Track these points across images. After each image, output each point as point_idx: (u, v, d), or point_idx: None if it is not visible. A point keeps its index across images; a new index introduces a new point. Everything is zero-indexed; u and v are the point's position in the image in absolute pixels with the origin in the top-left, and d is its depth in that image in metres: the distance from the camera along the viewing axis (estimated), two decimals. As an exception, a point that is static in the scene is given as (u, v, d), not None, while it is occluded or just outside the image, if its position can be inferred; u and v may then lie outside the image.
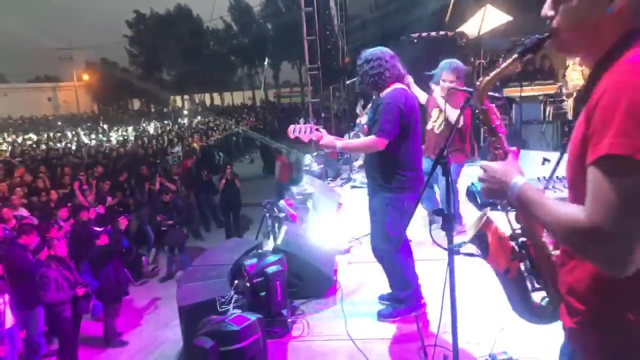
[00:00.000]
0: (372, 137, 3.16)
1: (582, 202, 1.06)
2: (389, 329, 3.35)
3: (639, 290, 1.08)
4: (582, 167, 1.06)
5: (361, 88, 3.34)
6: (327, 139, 3.25)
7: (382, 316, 3.46)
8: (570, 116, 7.25)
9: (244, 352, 2.85)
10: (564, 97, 7.66)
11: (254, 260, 3.63)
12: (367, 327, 3.41)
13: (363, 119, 3.47)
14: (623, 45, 1.04)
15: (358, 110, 6.88)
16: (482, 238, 1.62)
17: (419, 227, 4.58)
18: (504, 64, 1.42)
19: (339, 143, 3.30)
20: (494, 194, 1.33)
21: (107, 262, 6.59)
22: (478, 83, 1.49)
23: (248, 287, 3.55)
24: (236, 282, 3.77)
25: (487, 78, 1.47)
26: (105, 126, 30.74)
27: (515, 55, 1.36)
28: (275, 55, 47.80)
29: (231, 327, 2.89)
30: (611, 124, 0.96)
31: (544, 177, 2.43)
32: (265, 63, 42.36)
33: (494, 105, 1.56)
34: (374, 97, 3.42)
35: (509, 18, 12.84)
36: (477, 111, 1.56)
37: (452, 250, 2.39)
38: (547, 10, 1.16)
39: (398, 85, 3.27)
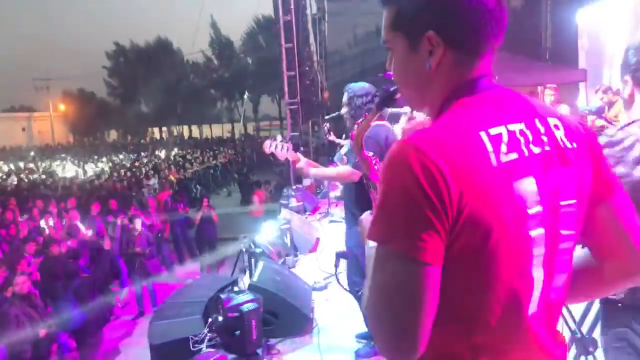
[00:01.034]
0: (347, 167, 3.16)
1: None
2: (367, 369, 3.28)
3: None
4: None
5: (348, 118, 3.31)
6: (302, 163, 3.22)
7: (359, 355, 3.39)
8: None
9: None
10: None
11: (231, 296, 3.54)
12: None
13: (343, 150, 3.47)
14: (445, 105, 0.96)
15: (326, 134, 6.87)
16: None
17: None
18: (369, 117, 1.43)
19: (313, 170, 3.29)
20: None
21: (94, 292, 6.42)
22: (355, 137, 1.50)
23: (222, 325, 3.45)
24: (210, 320, 3.67)
25: (358, 131, 1.47)
26: (79, 158, 30.28)
27: (374, 108, 1.39)
28: (255, 89, 48.25)
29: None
30: None
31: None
32: (245, 96, 42.69)
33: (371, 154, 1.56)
34: (351, 127, 3.44)
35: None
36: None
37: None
38: (388, 64, 1.08)
39: (379, 122, 3.30)
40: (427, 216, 0.82)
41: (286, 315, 3.84)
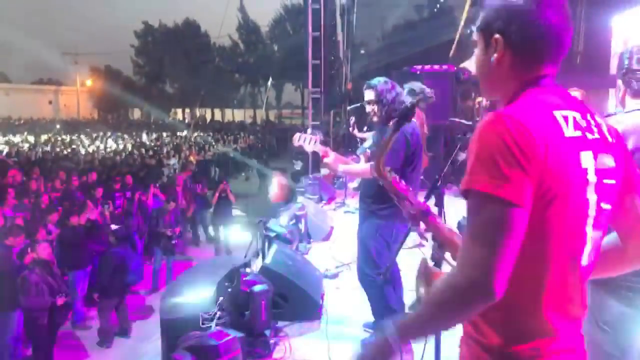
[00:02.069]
0: (372, 164, 3.15)
1: None
2: (372, 358, 3.30)
3: None
4: None
5: (379, 115, 3.31)
6: (331, 158, 3.26)
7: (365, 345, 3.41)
8: None
9: (223, 368, 2.80)
10: None
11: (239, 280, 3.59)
12: (350, 354, 3.35)
13: (367, 143, 3.47)
14: (516, 94, 1.17)
15: (351, 128, 6.88)
16: None
17: (412, 256, 4.55)
18: (388, 137, 1.60)
19: (341, 167, 3.31)
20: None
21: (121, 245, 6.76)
22: (375, 163, 1.64)
23: (233, 304, 3.51)
24: (220, 299, 3.73)
25: (380, 156, 1.63)
26: (107, 132, 30.70)
27: (393, 126, 1.58)
28: (279, 76, 48.27)
29: (210, 342, 2.84)
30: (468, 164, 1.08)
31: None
32: (269, 83, 42.75)
33: (395, 176, 1.64)
34: (374, 122, 3.44)
35: (512, 57, 13.11)
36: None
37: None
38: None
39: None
40: (522, 166, 1.00)
41: (296, 299, 3.88)
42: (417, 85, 5.23)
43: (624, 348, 1.83)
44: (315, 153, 3.40)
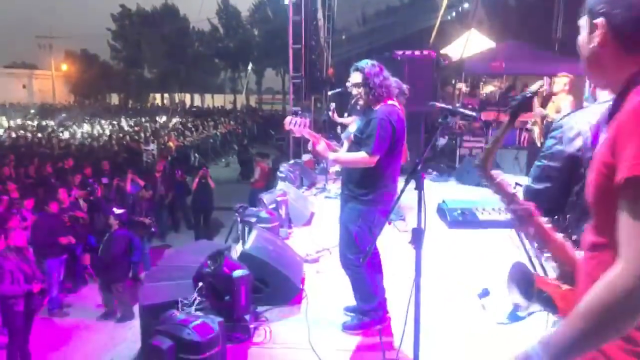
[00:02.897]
0: (364, 154, 3.15)
1: (605, 231, 1.08)
2: (352, 341, 3.33)
3: None
4: (605, 196, 1.09)
5: (364, 98, 3.29)
6: (322, 146, 3.26)
7: (346, 328, 3.44)
8: (538, 143, 7.33)
9: (202, 363, 2.78)
10: (529, 125, 7.64)
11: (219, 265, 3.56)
12: (330, 337, 3.37)
13: (351, 127, 3.45)
14: (629, 86, 1.12)
15: (331, 113, 6.89)
16: (543, 297, 1.58)
17: (393, 241, 4.59)
18: (500, 131, 1.52)
19: (332, 156, 3.31)
20: None
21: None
22: (479, 161, 1.55)
23: (212, 288, 3.48)
24: (200, 284, 3.70)
25: (487, 149, 1.55)
26: (85, 117, 30.04)
27: (508, 119, 1.50)
28: (259, 61, 47.80)
29: (194, 337, 2.80)
30: (629, 150, 1.00)
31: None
32: (249, 68, 42.31)
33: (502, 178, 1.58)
34: (359, 108, 3.42)
35: (492, 44, 13.18)
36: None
37: (419, 267, 2.39)
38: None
39: (390, 101, 3.29)
40: None
41: (276, 284, 3.88)
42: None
43: None
44: (296, 138, 3.40)
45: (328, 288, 4.16)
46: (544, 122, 6.81)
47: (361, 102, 3.32)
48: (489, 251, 4.94)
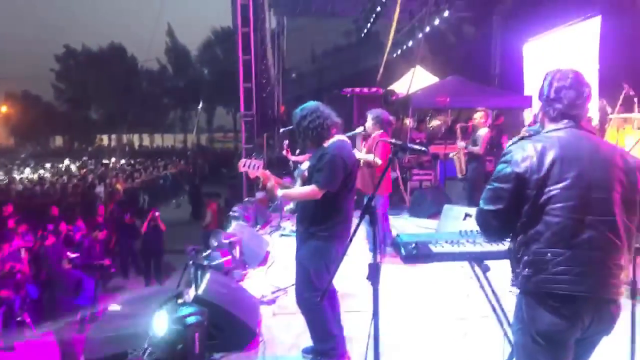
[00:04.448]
0: (313, 187, 3.16)
1: None
2: (312, 384, 3.23)
3: None
4: None
5: (304, 145, 3.44)
6: (271, 182, 3.31)
7: (304, 371, 3.34)
8: (459, 173, 7.92)
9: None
10: (451, 155, 8.20)
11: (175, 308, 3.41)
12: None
13: (304, 165, 3.48)
14: None
15: (284, 152, 6.97)
16: None
17: (349, 278, 4.54)
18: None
19: (280, 192, 3.32)
20: None
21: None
22: None
23: (164, 338, 3.31)
24: (151, 334, 3.52)
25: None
26: (29, 162, 28.77)
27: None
28: (210, 100, 47.66)
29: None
30: None
31: (465, 231, 2.52)
32: (199, 107, 42.11)
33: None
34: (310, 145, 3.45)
35: (436, 79, 13.73)
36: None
37: (377, 302, 2.37)
38: None
39: (340, 136, 3.35)
40: None
41: (231, 329, 3.74)
42: (380, 111, 5.76)
43: (559, 359, 1.89)
44: (249, 178, 3.44)
45: (285, 330, 4.05)
46: (464, 152, 7.61)
47: (306, 144, 3.43)
48: (445, 283, 5.00)
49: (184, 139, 53.23)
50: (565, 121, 1.96)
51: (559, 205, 1.82)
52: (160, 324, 3.46)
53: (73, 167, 26.22)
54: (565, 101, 1.96)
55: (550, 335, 1.85)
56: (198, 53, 50.97)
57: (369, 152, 5.58)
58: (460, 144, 7.73)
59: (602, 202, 1.83)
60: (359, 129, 5.77)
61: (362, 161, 5.56)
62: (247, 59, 11.59)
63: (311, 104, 3.37)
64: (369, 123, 5.68)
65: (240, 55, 11.59)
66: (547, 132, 1.99)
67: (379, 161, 5.42)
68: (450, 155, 8.19)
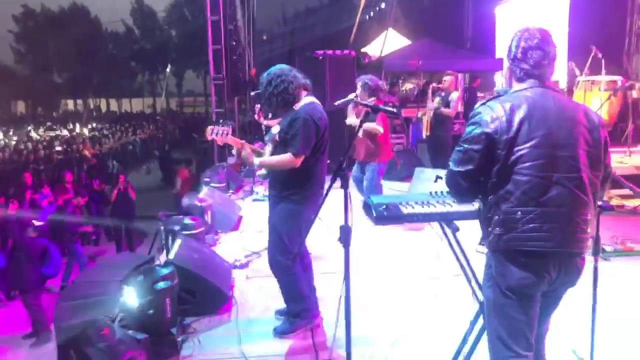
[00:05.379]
0: (290, 155, 3.10)
1: None
2: (285, 345, 3.26)
3: None
4: None
5: (272, 110, 3.36)
6: (246, 152, 3.23)
7: (277, 332, 3.37)
8: (424, 133, 8.27)
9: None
10: (419, 115, 8.58)
11: (141, 278, 3.37)
12: (262, 343, 3.29)
13: (274, 129, 3.39)
14: None
15: (256, 116, 6.88)
16: None
17: (322, 240, 4.56)
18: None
19: (256, 160, 3.25)
20: None
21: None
22: None
23: (135, 304, 3.29)
24: (121, 300, 3.48)
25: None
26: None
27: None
28: (179, 63, 46.37)
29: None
30: None
31: (435, 193, 2.53)
32: (168, 70, 40.95)
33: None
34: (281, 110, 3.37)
35: (408, 42, 13.63)
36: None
37: (348, 264, 2.39)
38: None
39: (310, 98, 3.26)
40: None
41: (204, 293, 3.73)
42: (369, 78, 5.55)
43: (528, 312, 1.95)
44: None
45: (258, 293, 4.07)
46: (433, 113, 7.79)
47: (274, 109, 3.36)
48: (416, 244, 5.09)
49: (152, 104, 51.91)
50: (532, 81, 1.98)
51: (527, 164, 1.84)
52: (131, 290, 3.42)
53: (35, 135, 25.35)
54: (531, 61, 1.97)
55: (520, 290, 1.91)
56: (165, 14, 49.21)
57: (358, 118, 5.57)
58: (430, 105, 7.86)
59: (569, 160, 1.86)
60: (351, 96, 5.50)
61: (360, 131, 5.39)
62: (216, 20, 11.24)
63: (276, 67, 3.26)
64: (358, 90, 5.50)
65: (209, 16, 11.23)
66: (514, 92, 2.00)
67: (380, 129, 5.35)
68: (419, 115, 8.34)
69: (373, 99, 5.31)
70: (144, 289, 3.28)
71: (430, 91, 8.19)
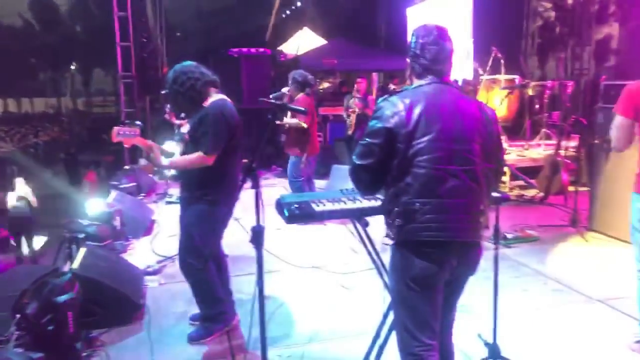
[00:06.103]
0: (200, 154, 2.99)
1: None
2: (200, 350, 3.16)
3: None
4: None
5: (178, 108, 3.24)
6: (154, 153, 3.06)
7: (192, 338, 3.25)
8: (350, 132, 8.85)
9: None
10: (344, 116, 9.14)
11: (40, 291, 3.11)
12: (176, 351, 3.17)
13: (184, 128, 3.27)
14: None
15: (167, 116, 6.67)
16: None
17: (239, 241, 4.48)
18: None
19: (165, 161, 3.12)
20: None
21: None
22: None
23: (32, 321, 3.02)
24: (18, 316, 3.19)
25: None
26: None
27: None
28: (85, 61, 43.66)
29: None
30: None
31: (346, 190, 2.57)
32: (72, 67, 38.44)
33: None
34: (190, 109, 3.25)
35: (323, 41, 13.79)
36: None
37: (261, 266, 2.35)
38: None
39: (220, 95, 3.17)
40: None
41: (112, 303, 3.52)
42: (298, 73, 5.80)
43: (432, 302, 2.01)
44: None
45: (172, 299, 3.92)
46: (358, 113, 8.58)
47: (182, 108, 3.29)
48: (332, 241, 5.16)
49: (57, 104, 48.44)
50: (430, 77, 2.04)
51: (425, 157, 1.91)
52: (29, 304, 3.15)
53: None
54: (428, 56, 2.04)
55: (423, 280, 1.97)
56: (69, 8, 46.08)
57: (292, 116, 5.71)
58: (354, 105, 8.61)
59: (464, 153, 1.95)
60: (284, 89, 5.83)
61: (287, 126, 5.79)
62: (123, 16, 10.72)
63: (180, 65, 3.15)
64: (290, 86, 5.76)
65: (116, 11, 10.68)
66: (414, 87, 2.07)
67: (304, 124, 5.60)
68: (345, 115, 8.88)
69: (302, 94, 5.69)
70: (42, 304, 3.03)
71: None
